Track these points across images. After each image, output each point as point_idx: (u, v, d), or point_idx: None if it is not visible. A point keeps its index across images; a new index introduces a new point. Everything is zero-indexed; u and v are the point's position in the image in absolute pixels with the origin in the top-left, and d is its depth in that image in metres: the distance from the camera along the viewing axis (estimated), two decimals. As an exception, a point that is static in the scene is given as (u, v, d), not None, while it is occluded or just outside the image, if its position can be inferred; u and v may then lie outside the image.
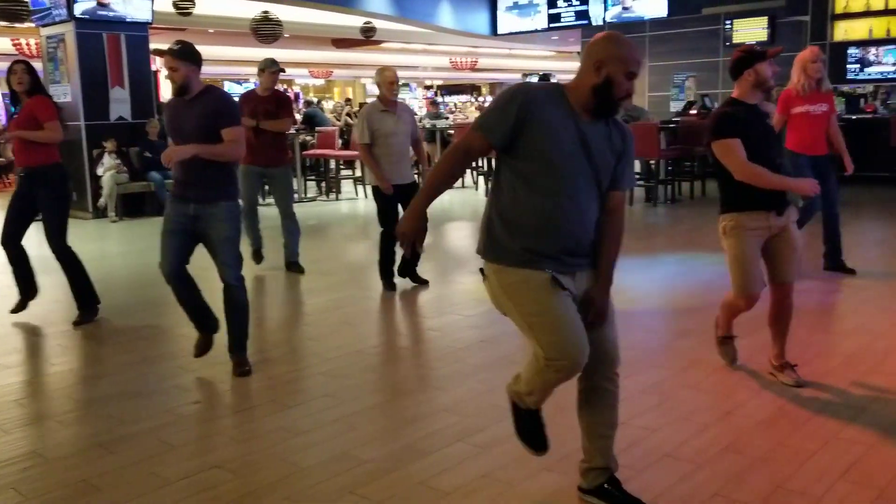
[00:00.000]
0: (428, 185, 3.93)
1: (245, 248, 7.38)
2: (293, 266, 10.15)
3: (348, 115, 27.08)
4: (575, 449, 4.35)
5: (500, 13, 25.10)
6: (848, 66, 18.82)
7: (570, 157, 3.80)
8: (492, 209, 3.94)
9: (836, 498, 4.15)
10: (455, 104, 44.20)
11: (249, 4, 20.91)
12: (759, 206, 5.58)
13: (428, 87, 53.39)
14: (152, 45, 14.94)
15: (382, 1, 22.27)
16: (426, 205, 3.88)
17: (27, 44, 26.34)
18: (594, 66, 3.78)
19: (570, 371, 3.85)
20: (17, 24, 17.50)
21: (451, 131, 19.74)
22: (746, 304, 5.85)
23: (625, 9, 22.21)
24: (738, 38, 20.53)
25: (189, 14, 19.54)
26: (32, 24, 16.39)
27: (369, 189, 10.13)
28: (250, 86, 42.41)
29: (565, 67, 41.58)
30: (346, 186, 18.94)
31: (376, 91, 8.97)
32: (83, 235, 13.42)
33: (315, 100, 35.11)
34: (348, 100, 36.54)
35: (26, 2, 16.16)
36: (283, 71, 10.53)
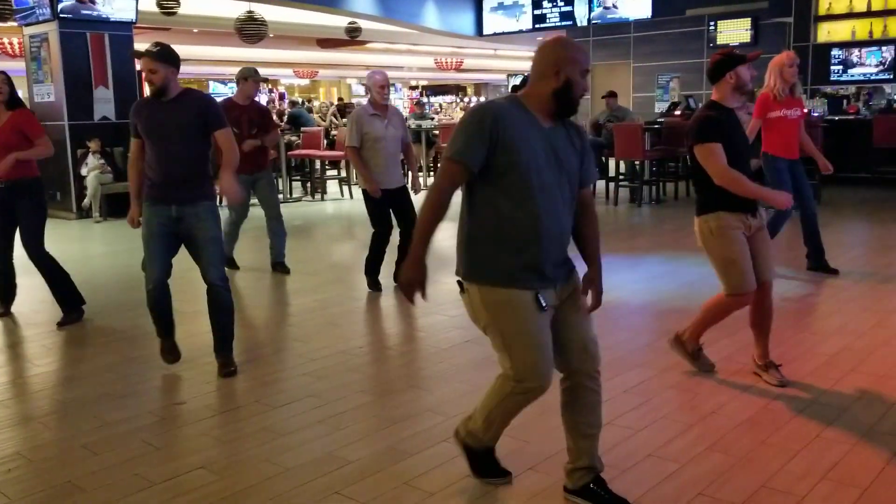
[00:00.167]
0: (421, 230, 3.94)
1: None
2: (279, 266, 10.14)
3: (334, 115, 27.05)
4: (560, 449, 4.36)
5: (486, 14, 25.13)
6: (831, 67, 18.91)
7: (545, 167, 3.87)
8: (469, 229, 4.00)
9: (819, 497, 4.17)
10: (440, 104, 44.17)
11: (234, 4, 20.88)
12: (737, 207, 5.63)
13: (413, 88, 53.37)
14: (135, 46, 14.92)
15: (367, 1, 22.27)
16: (425, 251, 3.93)
17: (10, 43, 26.26)
18: (552, 72, 3.88)
19: (536, 393, 3.98)
20: (0, 24, 17.46)
21: (437, 132, 19.74)
22: (740, 302, 5.85)
23: (606, 9, 22.25)
24: (721, 39, 20.61)
25: (173, 14, 19.51)
26: (15, 24, 16.34)
27: (356, 190, 10.14)
28: (234, 86, 42.37)
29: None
30: (332, 187, 18.93)
31: (362, 91, 8.94)
32: (67, 236, 13.41)
33: (300, 100, 35.07)
34: (341, 100, 36.38)
35: (9, 1, 16.12)
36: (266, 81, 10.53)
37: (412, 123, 20.46)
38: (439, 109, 40.60)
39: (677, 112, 18.79)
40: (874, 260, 10.28)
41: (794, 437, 4.91)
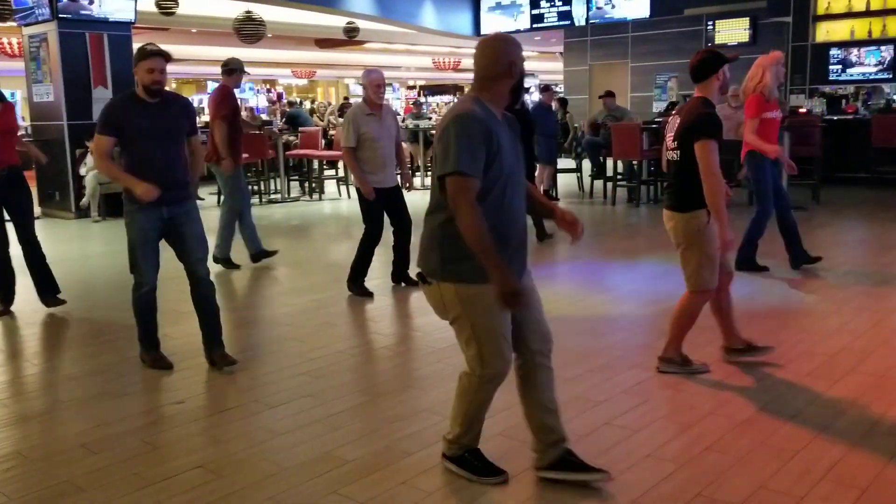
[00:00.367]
0: (485, 247, 3.91)
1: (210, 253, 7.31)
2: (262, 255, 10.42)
3: (332, 114, 27.05)
4: (557, 449, 4.36)
5: (483, 13, 25.14)
6: (830, 67, 18.91)
7: (514, 162, 4.10)
8: (442, 229, 4.10)
9: (818, 497, 4.17)
10: (438, 104, 44.16)
11: (232, 4, 20.88)
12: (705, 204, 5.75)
13: (411, 88, 53.36)
14: (135, 45, 14.93)
15: (365, 1, 22.27)
16: (500, 261, 3.97)
17: (9, 43, 26.26)
18: (508, 69, 4.07)
19: (501, 379, 4.28)
20: (-1, 24, 17.47)
21: (434, 131, 19.71)
22: (707, 298, 6.08)
23: (598, 9, 22.24)
24: (720, 38, 20.57)
25: (172, 14, 19.50)
26: (15, 24, 16.33)
27: (353, 189, 10.12)
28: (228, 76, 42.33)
29: (547, 68, 41.64)
30: (330, 187, 18.91)
31: (359, 91, 8.87)
32: (66, 235, 13.41)
33: (298, 100, 35.08)
34: (346, 99, 36.27)
35: (9, 1, 16.11)
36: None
37: (410, 123, 20.44)
38: (437, 109, 40.59)
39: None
40: (873, 260, 10.27)
41: (793, 437, 4.91)
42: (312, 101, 37.74)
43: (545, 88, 16.58)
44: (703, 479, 4.38)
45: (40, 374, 6.54)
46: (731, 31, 20.48)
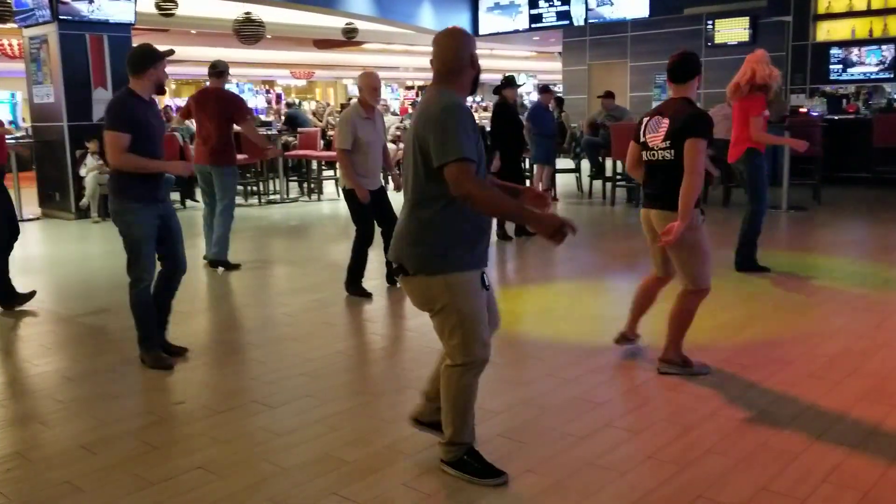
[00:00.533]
0: (510, 210, 4.29)
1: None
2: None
3: (331, 115, 27.02)
4: (558, 451, 4.36)
5: (482, 14, 25.10)
6: (830, 66, 18.90)
7: (483, 153, 4.23)
8: (431, 221, 4.24)
9: (820, 499, 4.16)
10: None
11: (232, 5, 20.86)
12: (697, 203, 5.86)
13: (409, 88, 53.32)
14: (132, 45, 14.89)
15: (364, 2, 22.25)
16: (529, 211, 4.30)
17: (9, 44, 26.24)
18: (469, 61, 4.29)
19: (483, 365, 4.43)
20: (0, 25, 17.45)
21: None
22: (704, 295, 6.14)
23: (589, 10, 22.22)
24: (719, 38, 20.55)
25: (172, 15, 19.50)
26: (15, 25, 16.33)
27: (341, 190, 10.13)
28: (232, 86, 42.43)
29: (546, 67, 41.67)
30: (329, 187, 18.89)
31: (357, 93, 8.80)
32: (66, 236, 13.41)
33: (297, 101, 35.04)
34: (349, 100, 36.28)
35: (9, 2, 16.11)
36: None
37: (408, 123, 20.44)
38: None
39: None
40: (874, 260, 10.26)
41: (794, 439, 4.90)
42: (318, 102, 37.72)
43: (545, 89, 16.56)
44: (704, 481, 4.37)
45: (40, 374, 6.52)
46: (731, 31, 20.45)
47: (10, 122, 26.03)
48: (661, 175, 5.97)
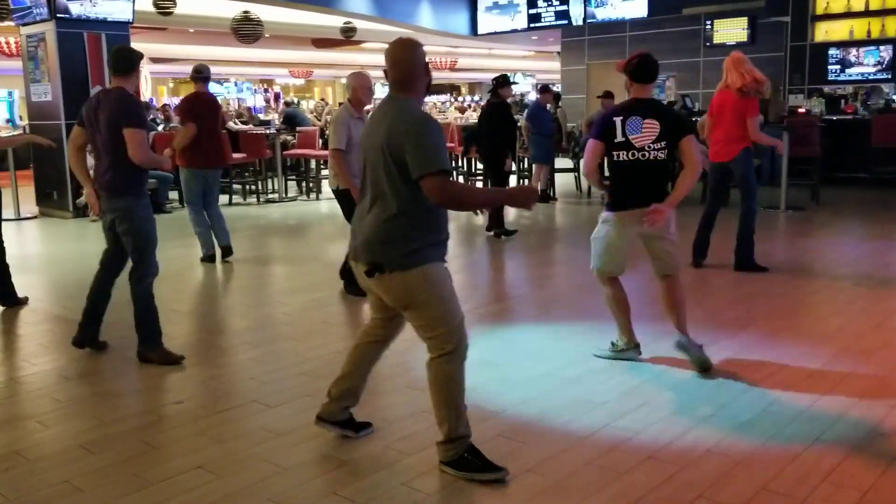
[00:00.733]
0: (487, 199, 5.10)
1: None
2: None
3: (329, 114, 27.00)
4: (558, 451, 4.35)
5: (480, 13, 25.11)
6: (828, 66, 18.91)
7: None
8: (405, 221, 4.40)
9: (819, 499, 4.16)
10: (435, 104, 44.12)
11: (230, 4, 20.85)
12: None
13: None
14: (131, 45, 14.89)
15: (363, 1, 22.25)
16: (500, 190, 5.01)
17: (6, 42, 26.22)
18: (424, 70, 4.53)
19: (466, 352, 4.55)
20: (-3, 23, 17.45)
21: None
22: None
23: (588, 10, 22.24)
24: (718, 38, 20.56)
25: (170, 14, 19.48)
26: (13, 23, 16.31)
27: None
28: (231, 86, 42.44)
29: (544, 67, 41.69)
30: (327, 186, 18.85)
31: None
32: (63, 235, 13.39)
33: (295, 100, 35.06)
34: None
35: (6, 0, 16.08)
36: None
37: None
38: (434, 109, 40.57)
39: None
40: (873, 260, 10.26)
41: (794, 439, 4.90)
42: (318, 102, 37.76)
43: (545, 89, 16.58)
44: (704, 481, 4.37)
45: (39, 373, 6.51)
46: (730, 31, 20.45)
47: (8, 121, 26.03)
48: (652, 175, 6.11)
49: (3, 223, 8.08)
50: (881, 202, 14.93)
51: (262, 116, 27.80)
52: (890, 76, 18.34)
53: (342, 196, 8.49)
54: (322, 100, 39.10)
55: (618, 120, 6.16)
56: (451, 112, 35.84)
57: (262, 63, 38.50)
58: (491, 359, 6.52)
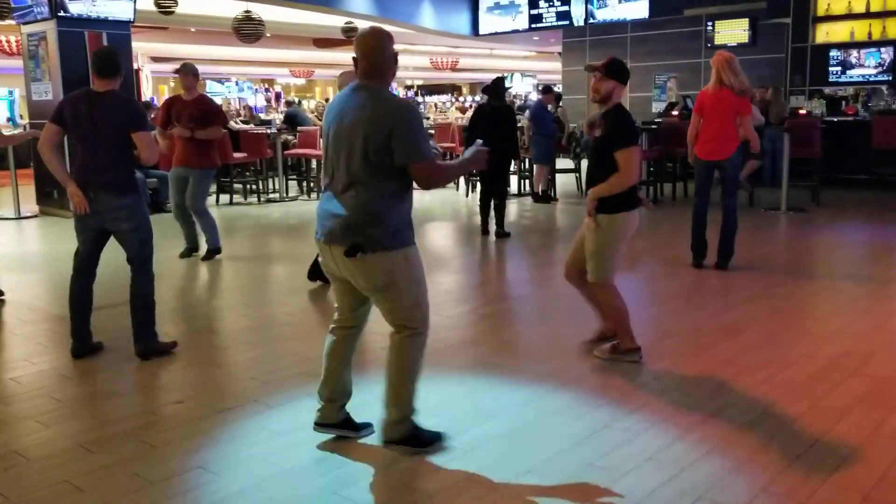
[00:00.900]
0: (456, 169, 5.14)
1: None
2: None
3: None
4: (558, 452, 4.34)
5: (482, 14, 25.10)
6: (829, 68, 18.90)
7: None
8: (386, 205, 4.55)
9: (820, 501, 4.15)
10: (436, 104, 44.13)
11: (231, 4, 20.84)
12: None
13: (408, 87, 53.35)
14: (133, 45, 14.91)
15: (364, 1, 22.25)
16: (463, 161, 4.94)
17: (7, 41, 26.22)
18: (394, 60, 4.71)
19: (428, 330, 4.80)
20: (-2, 22, 17.44)
21: (432, 131, 19.75)
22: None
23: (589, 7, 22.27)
24: (719, 39, 20.52)
25: (171, 13, 19.46)
26: (13, 22, 16.30)
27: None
28: (232, 85, 42.44)
29: (545, 67, 41.68)
30: (328, 186, 18.85)
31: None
32: (63, 234, 13.35)
33: (296, 99, 35.06)
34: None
35: (7, -1, 16.09)
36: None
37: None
38: (434, 109, 40.58)
39: (674, 112, 18.79)
40: (873, 262, 10.26)
41: (795, 441, 4.90)
42: (319, 102, 37.83)
43: (547, 90, 16.58)
44: (704, 483, 4.37)
45: (38, 373, 6.50)
46: (731, 32, 20.43)
47: (8, 119, 26.03)
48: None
49: (3, 222, 8.09)
50: (881, 203, 14.92)
51: (262, 116, 27.79)
52: (890, 78, 18.32)
53: None
54: (326, 100, 39.09)
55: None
56: (453, 112, 35.86)
57: (263, 63, 38.51)
58: (491, 359, 6.53)
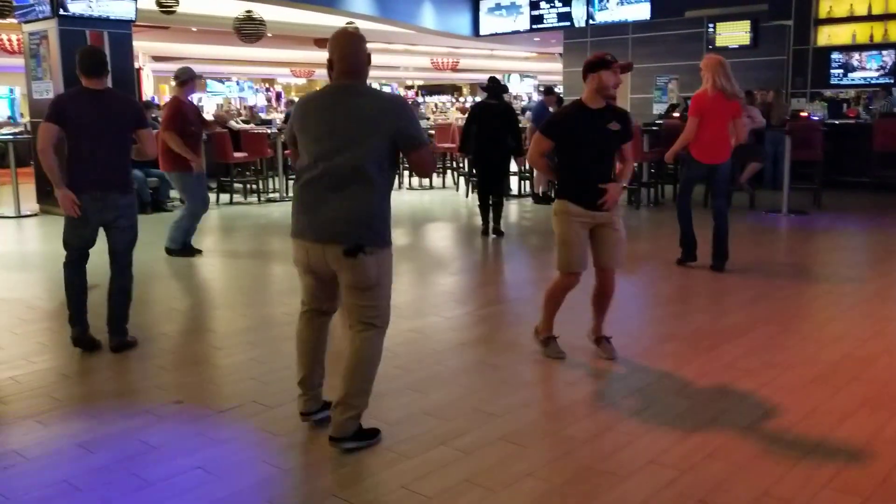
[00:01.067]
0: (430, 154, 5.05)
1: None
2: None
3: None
4: (559, 455, 4.33)
5: (483, 14, 25.12)
6: (831, 71, 18.90)
7: None
8: (382, 203, 4.67)
9: (821, 505, 4.15)
10: (436, 104, 44.16)
11: (233, 3, 20.86)
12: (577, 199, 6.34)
13: (409, 88, 53.37)
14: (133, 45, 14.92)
15: (365, 2, 22.26)
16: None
17: (9, 40, 26.23)
18: (369, 58, 4.77)
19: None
20: None
21: (432, 131, 19.77)
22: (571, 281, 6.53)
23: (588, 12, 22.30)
24: (720, 41, 20.55)
25: (173, 12, 19.47)
26: (15, 21, 16.30)
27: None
28: (232, 85, 42.45)
29: (546, 68, 41.68)
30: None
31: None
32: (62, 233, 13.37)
33: (296, 99, 35.10)
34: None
35: (9, -2, 16.11)
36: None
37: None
38: (435, 109, 40.60)
39: (676, 114, 18.78)
40: (875, 266, 10.26)
41: (795, 444, 4.89)
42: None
43: (549, 91, 16.60)
44: (704, 486, 4.36)
45: (38, 372, 6.50)
46: (732, 34, 20.44)
47: (9, 118, 26.05)
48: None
49: (3, 221, 8.08)
50: (882, 206, 14.90)
51: (263, 116, 27.79)
52: (892, 80, 18.31)
53: None
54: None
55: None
56: (453, 112, 35.90)
57: (263, 62, 38.52)
58: (491, 361, 6.52)
